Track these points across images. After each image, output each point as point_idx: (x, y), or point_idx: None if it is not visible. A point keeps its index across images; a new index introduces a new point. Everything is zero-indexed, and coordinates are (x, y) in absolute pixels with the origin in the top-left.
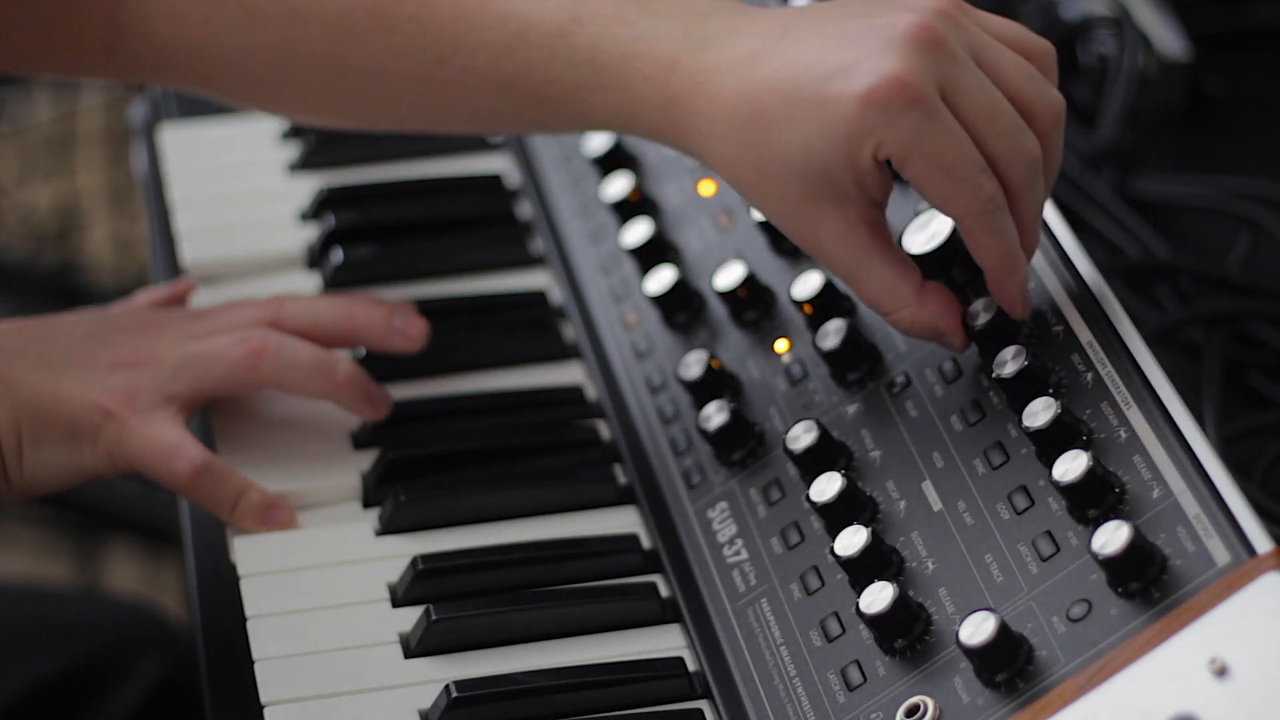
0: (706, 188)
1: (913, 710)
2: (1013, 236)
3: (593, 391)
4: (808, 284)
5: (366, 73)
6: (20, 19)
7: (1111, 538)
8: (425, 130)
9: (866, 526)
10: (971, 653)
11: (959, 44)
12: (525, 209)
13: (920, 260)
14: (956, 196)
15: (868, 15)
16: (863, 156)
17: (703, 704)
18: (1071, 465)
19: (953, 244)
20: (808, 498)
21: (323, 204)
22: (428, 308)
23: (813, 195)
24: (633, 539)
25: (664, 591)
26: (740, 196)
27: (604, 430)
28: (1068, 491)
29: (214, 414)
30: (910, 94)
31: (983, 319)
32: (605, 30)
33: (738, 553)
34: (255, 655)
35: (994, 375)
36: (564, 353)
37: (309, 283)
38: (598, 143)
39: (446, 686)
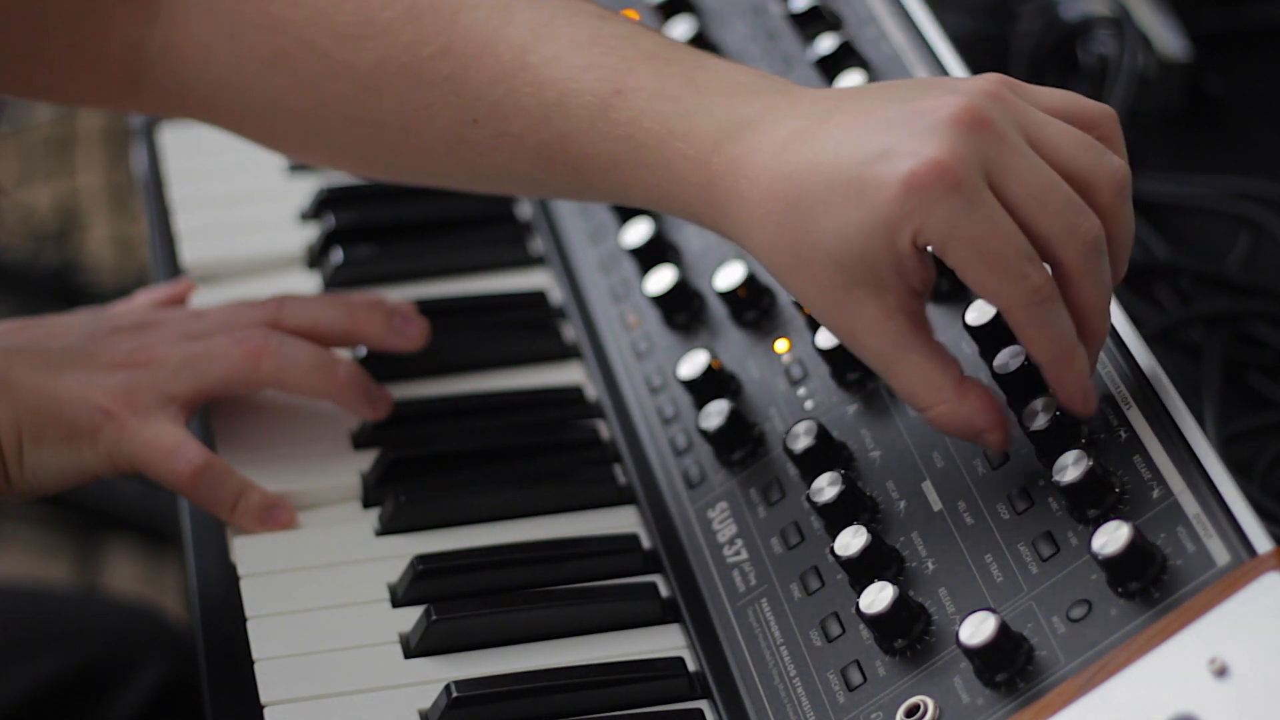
0: None
1: (913, 710)
2: (1065, 327)
3: (593, 391)
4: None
5: (398, 129)
6: (38, 50)
7: (1111, 538)
8: (460, 189)
9: (866, 526)
10: (971, 653)
11: (1007, 123)
12: (525, 209)
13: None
14: (999, 286)
15: (912, 99)
16: (902, 243)
17: (703, 704)
18: (1071, 465)
19: None
20: (808, 498)
21: (323, 204)
22: (428, 308)
23: (850, 283)
24: (633, 539)
25: (664, 591)
26: (779, 284)
27: (604, 430)
28: (1068, 491)
29: (214, 414)
30: (951, 178)
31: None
32: (647, 106)
33: (738, 553)
34: (255, 655)
35: (995, 375)
36: (564, 353)
37: (309, 283)
38: None
39: (446, 686)
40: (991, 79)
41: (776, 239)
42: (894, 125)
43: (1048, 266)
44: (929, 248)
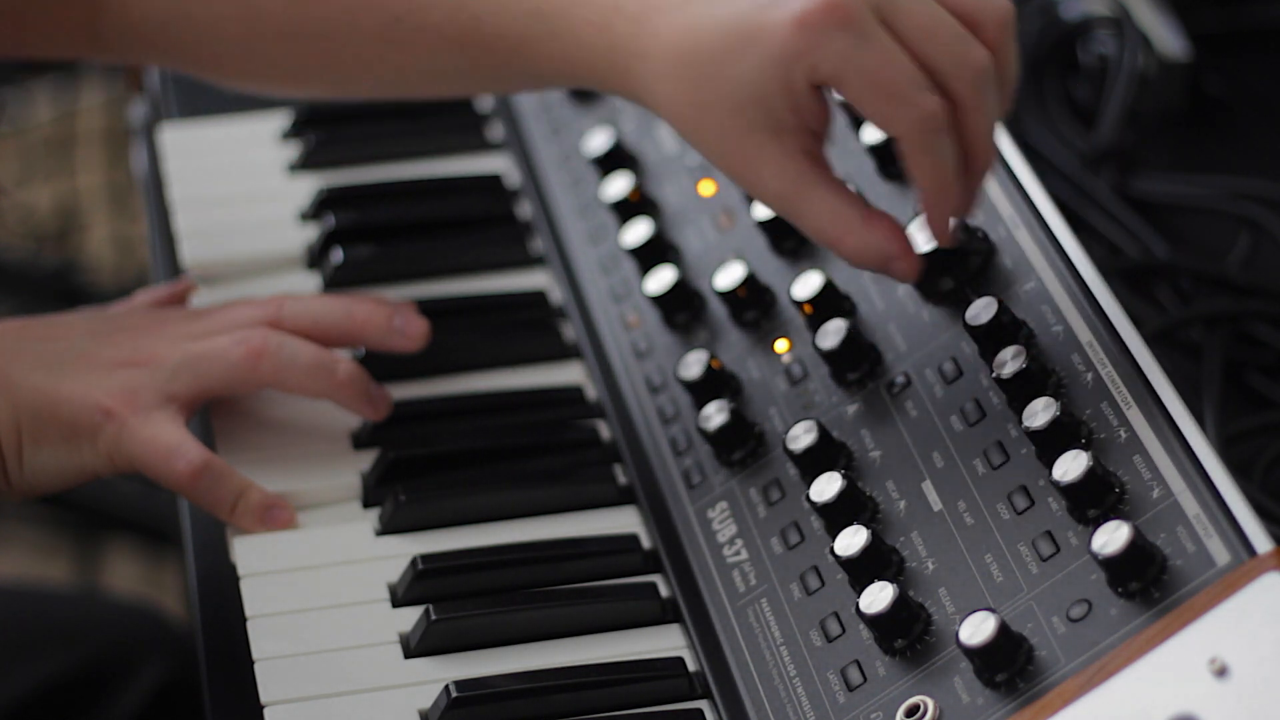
0: (706, 188)
1: (913, 710)
2: (950, 157)
3: (593, 391)
4: (808, 284)
5: (327, 37)
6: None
7: (1111, 538)
8: (393, 96)
9: (866, 526)
10: (971, 653)
11: None
12: (525, 209)
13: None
14: (895, 113)
15: None
16: (797, 81)
17: (703, 704)
18: (1071, 465)
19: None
20: (808, 498)
21: (323, 204)
22: (428, 308)
23: (751, 128)
24: (633, 539)
25: (664, 591)
26: (682, 138)
27: (604, 430)
28: (1068, 491)
29: (214, 414)
30: (841, 14)
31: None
32: None
33: (738, 553)
34: (255, 655)
35: (994, 375)
36: (564, 353)
37: (309, 283)
38: (598, 143)
39: (446, 686)
40: None
41: (678, 92)
42: None
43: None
44: (824, 85)
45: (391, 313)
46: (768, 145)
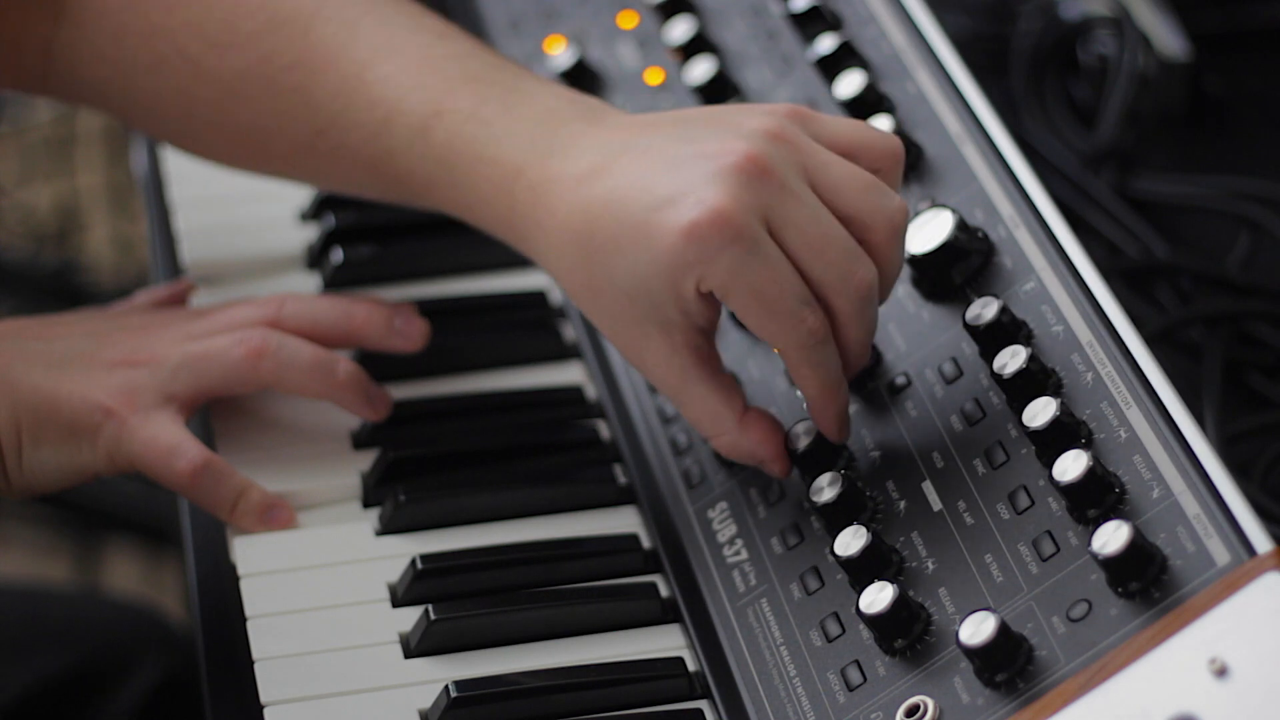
0: None
1: (913, 710)
2: (834, 367)
3: (593, 391)
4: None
5: (256, 133)
6: None
7: (1111, 538)
8: (318, 189)
9: (866, 526)
10: (971, 653)
11: (790, 169)
12: None
13: (920, 261)
14: (777, 330)
15: (700, 139)
16: (685, 288)
17: (703, 704)
18: (1071, 465)
19: (951, 245)
20: (808, 498)
21: (323, 204)
22: (428, 308)
23: (640, 319)
24: (633, 539)
25: (664, 591)
26: (578, 309)
27: (604, 430)
28: (1068, 491)
29: (214, 414)
30: (731, 230)
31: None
32: (461, 129)
33: (738, 553)
34: (255, 655)
35: (994, 375)
36: (564, 353)
37: (309, 283)
38: None
39: (446, 686)
40: (780, 112)
41: (573, 269)
42: (681, 168)
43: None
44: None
45: (391, 313)
46: (654, 337)
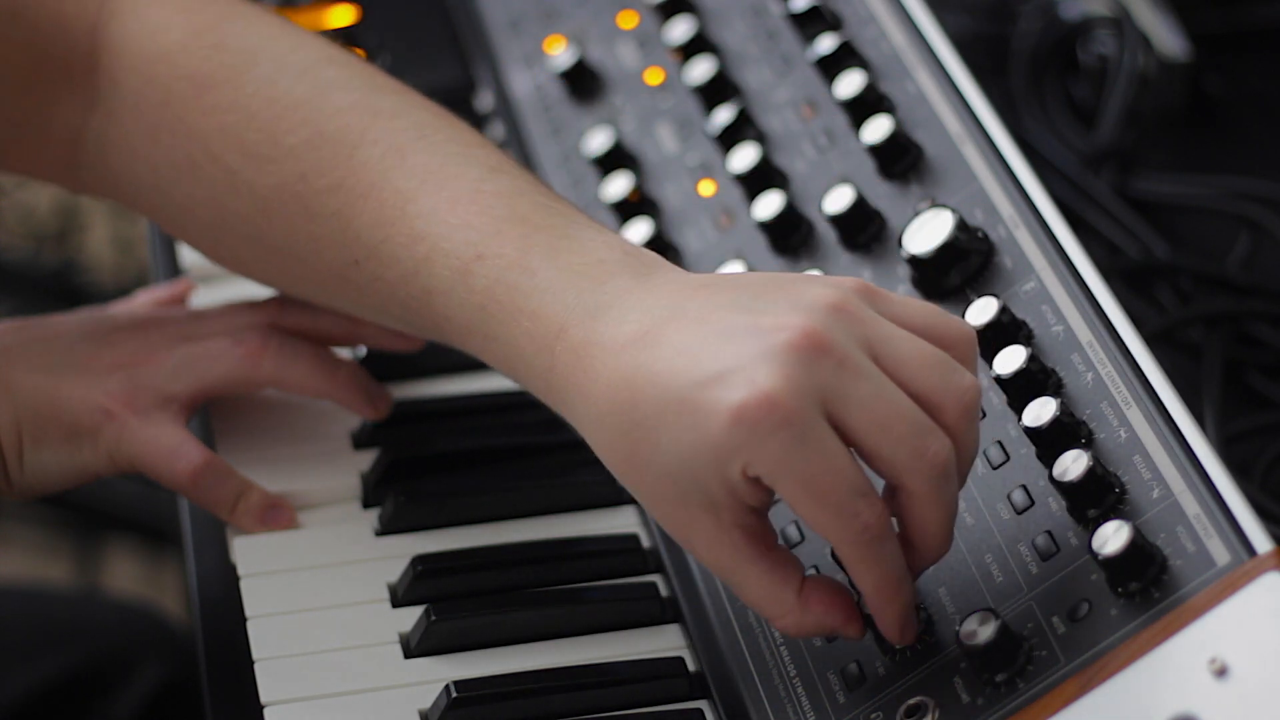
0: (706, 188)
1: (913, 710)
2: (894, 564)
3: None
4: None
5: (289, 256)
6: None
7: (1111, 538)
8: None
9: None
10: (971, 653)
11: (852, 343)
12: None
13: (920, 261)
14: (829, 523)
15: (756, 310)
16: (732, 473)
17: (703, 704)
18: (1071, 465)
19: (951, 245)
20: None
21: None
22: None
23: (685, 498)
24: (633, 539)
25: (664, 591)
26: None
27: None
28: (1068, 491)
29: (214, 414)
30: (782, 414)
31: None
32: (503, 276)
33: None
34: (255, 655)
35: (994, 375)
36: None
37: None
38: (598, 143)
39: (446, 686)
40: (847, 287)
41: (614, 442)
42: (733, 341)
43: (881, 495)
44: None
45: None
46: (701, 518)
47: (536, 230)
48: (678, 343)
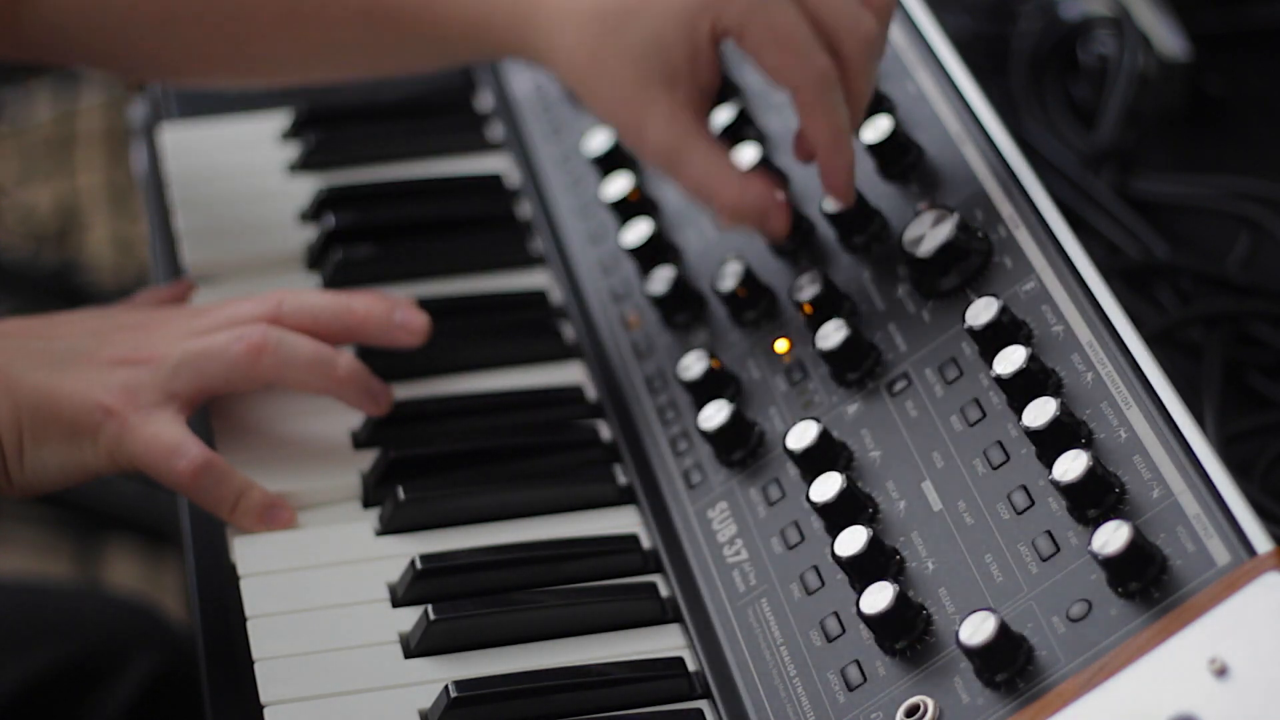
0: None
1: (913, 710)
2: (844, 114)
3: (593, 391)
4: (808, 285)
5: (236, 18)
6: None
7: (1111, 538)
8: (294, 79)
9: (866, 526)
10: (971, 653)
11: None
12: (525, 209)
13: (920, 262)
14: (794, 67)
15: None
16: (700, 30)
17: (703, 704)
18: (1071, 465)
19: (951, 245)
20: (808, 498)
21: (323, 204)
22: (428, 307)
23: (646, 78)
24: (633, 539)
25: (664, 591)
26: (573, 91)
27: (604, 430)
28: (1068, 491)
29: (214, 413)
30: None
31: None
32: None
33: (738, 553)
34: (255, 655)
35: (994, 375)
36: (564, 353)
37: (309, 283)
38: (598, 143)
39: (446, 686)
40: None
41: (578, 44)
42: None
43: None
44: (724, 38)
45: (392, 307)
46: (660, 96)
47: None
48: None
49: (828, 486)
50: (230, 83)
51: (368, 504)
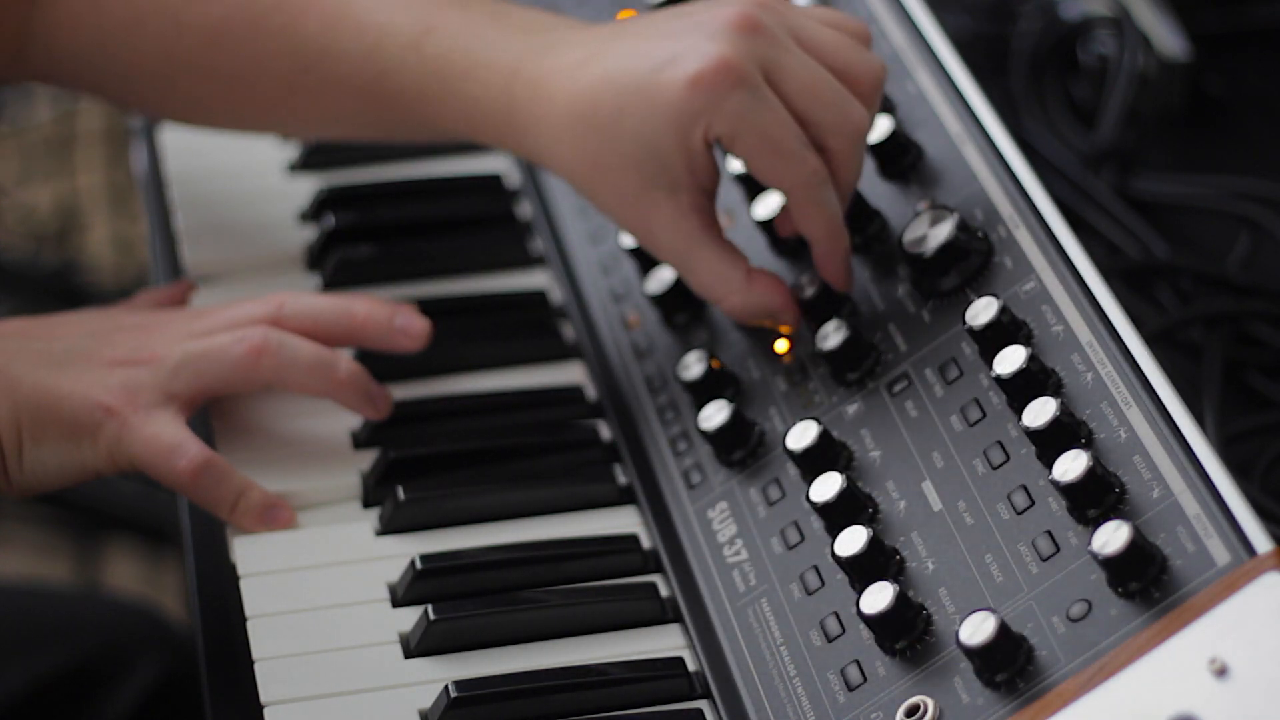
0: None
1: (913, 710)
2: (836, 208)
3: (593, 391)
4: (808, 285)
5: (240, 79)
6: None
7: (1111, 538)
8: (297, 136)
9: (866, 526)
10: (971, 653)
11: (778, 27)
12: (525, 209)
13: (920, 262)
14: (785, 169)
15: (690, 14)
16: (694, 138)
17: (703, 704)
18: (1071, 465)
19: (951, 245)
20: (808, 498)
21: (323, 204)
22: (428, 308)
23: (647, 185)
24: (633, 539)
25: (664, 591)
26: (579, 194)
27: (604, 430)
28: (1068, 491)
29: (214, 414)
30: (735, 75)
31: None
32: (454, 42)
33: (738, 553)
34: (255, 655)
35: (994, 375)
36: (564, 353)
37: (309, 283)
38: None
39: (446, 686)
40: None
41: (576, 153)
42: (677, 35)
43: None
44: (717, 144)
45: (393, 311)
46: (663, 203)
47: (470, 7)
48: (626, 49)
49: (828, 486)
50: (233, 130)
51: (368, 504)
